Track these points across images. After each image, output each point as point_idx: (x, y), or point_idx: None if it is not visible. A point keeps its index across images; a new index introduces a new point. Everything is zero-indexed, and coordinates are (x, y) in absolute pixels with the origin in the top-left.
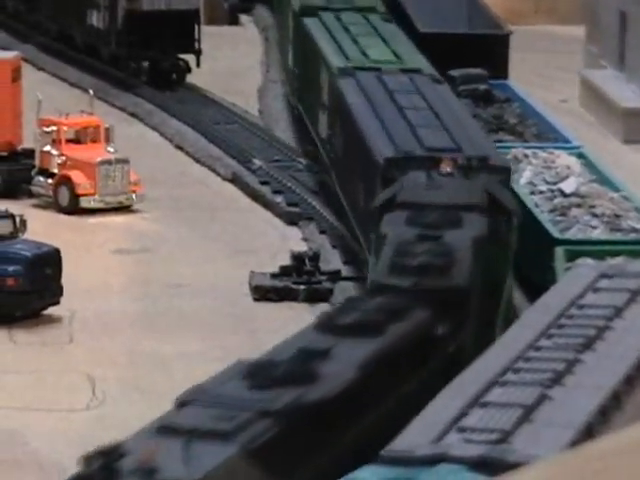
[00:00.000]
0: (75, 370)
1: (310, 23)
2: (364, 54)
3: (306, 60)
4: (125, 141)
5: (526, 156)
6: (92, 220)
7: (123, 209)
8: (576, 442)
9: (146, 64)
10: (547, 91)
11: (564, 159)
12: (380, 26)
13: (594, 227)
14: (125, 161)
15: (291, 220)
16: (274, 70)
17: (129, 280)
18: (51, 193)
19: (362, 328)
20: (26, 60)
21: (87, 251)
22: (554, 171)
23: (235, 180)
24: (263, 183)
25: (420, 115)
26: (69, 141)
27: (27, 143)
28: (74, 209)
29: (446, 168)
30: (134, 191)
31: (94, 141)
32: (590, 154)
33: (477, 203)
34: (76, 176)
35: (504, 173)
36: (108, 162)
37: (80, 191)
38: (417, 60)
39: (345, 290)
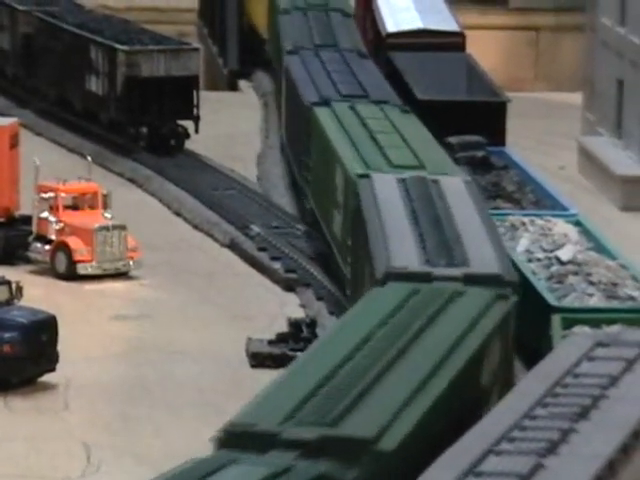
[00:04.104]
0: (71, 437)
1: (323, 115)
2: (385, 157)
3: (321, 164)
4: (123, 207)
5: (523, 224)
6: (89, 286)
7: (121, 275)
8: None
9: (145, 130)
10: (545, 158)
11: (561, 227)
12: (398, 120)
13: (591, 295)
14: (123, 227)
15: (289, 286)
16: (273, 136)
17: (126, 346)
18: (48, 259)
19: None
20: (24, 126)
21: (84, 317)
22: (551, 239)
23: (233, 246)
24: (261, 249)
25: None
26: (67, 207)
27: (25, 209)
28: (71, 275)
29: None
30: (132, 257)
31: (92, 207)
32: (587, 222)
33: None
34: (73, 242)
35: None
36: (106, 228)
37: (77, 257)
38: (442, 164)
39: None
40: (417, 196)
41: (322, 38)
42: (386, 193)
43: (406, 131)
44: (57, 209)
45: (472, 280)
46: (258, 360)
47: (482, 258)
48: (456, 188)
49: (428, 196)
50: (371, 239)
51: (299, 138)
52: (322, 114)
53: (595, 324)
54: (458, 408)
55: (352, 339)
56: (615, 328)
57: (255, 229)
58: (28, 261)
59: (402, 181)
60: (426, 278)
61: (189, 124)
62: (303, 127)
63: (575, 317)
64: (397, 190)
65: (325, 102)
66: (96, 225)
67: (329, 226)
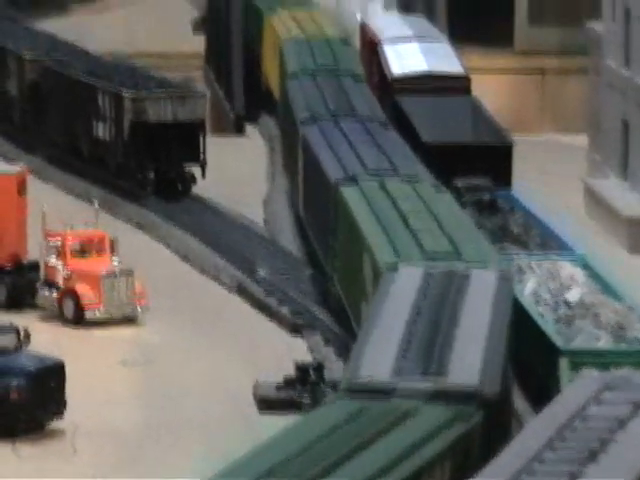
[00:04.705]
0: None
1: (351, 196)
2: (418, 244)
3: (349, 250)
4: (130, 252)
5: (530, 266)
6: (97, 332)
7: (128, 320)
8: None
9: (152, 175)
10: (551, 199)
11: (568, 269)
12: (432, 200)
13: (598, 337)
14: (130, 273)
15: (296, 330)
16: (279, 180)
17: (134, 391)
18: (56, 305)
19: None
20: (32, 172)
21: (92, 363)
22: (558, 281)
23: (240, 290)
24: (268, 293)
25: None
26: (74, 253)
27: (32, 255)
28: (79, 321)
29: None
30: (139, 302)
31: (99, 253)
32: (594, 264)
33: None
34: (81, 288)
35: None
36: (113, 274)
37: (85, 303)
38: (480, 251)
39: None
40: (434, 293)
41: (338, 105)
42: (402, 289)
43: (440, 212)
44: (65, 255)
45: (438, 396)
46: (265, 404)
47: (463, 368)
48: (484, 283)
49: (446, 293)
50: (357, 341)
51: (322, 217)
52: (350, 194)
53: (603, 367)
54: None
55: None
56: (623, 371)
57: (262, 273)
58: (36, 307)
59: (429, 275)
60: (389, 392)
61: (196, 169)
62: (328, 206)
63: (583, 360)
64: (417, 285)
65: (352, 180)
66: (103, 271)
67: (356, 319)
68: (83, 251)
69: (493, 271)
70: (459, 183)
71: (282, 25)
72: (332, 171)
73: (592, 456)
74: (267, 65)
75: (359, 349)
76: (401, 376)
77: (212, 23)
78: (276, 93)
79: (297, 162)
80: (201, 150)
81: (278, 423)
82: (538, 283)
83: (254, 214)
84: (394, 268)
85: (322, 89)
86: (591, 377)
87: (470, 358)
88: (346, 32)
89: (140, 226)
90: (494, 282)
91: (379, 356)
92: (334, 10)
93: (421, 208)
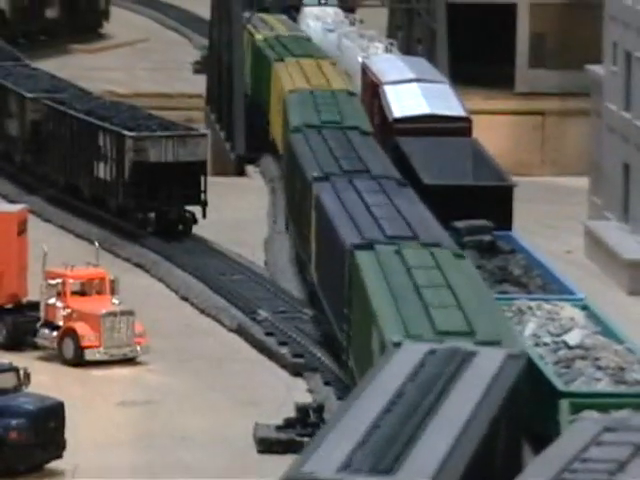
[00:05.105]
0: None
1: (365, 262)
2: (430, 320)
3: (362, 321)
4: (131, 292)
5: (530, 308)
6: (97, 372)
7: (128, 361)
8: None
9: (152, 215)
10: (552, 242)
11: (568, 311)
12: (450, 269)
13: (598, 379)
14: (130, 313)
15: (296, 371)
16: (280, 221)
17: (134, 433)
18: (56, 345)
19: None
20: (33, 212)
21: (92, 404)
22: (558, 323)
23: (241, 331)
24: (268, 334)
25: None
26: (74, 293)
27: (33, 295)
28: (79, 361)
29: None
30: (139, 343)
31: (99, 293)
32: (594, 306)
33: None
34: (81, 328)
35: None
36: (113, 314)
37: (85, 343)
38: (497, 329)
39: None
40: (429, 373)
41: (350, 163)
42: (397, 367)
43: (458, 284)
44: (65, 295)
45: None
46: (266, 446)
47: (416, 467)
48: (489, 364)
49: (441, 374)
50: (322, 428)
51: (336, 282)
52: (364, 260)
53: (603, 409)
54: None
55: None
56: (623, 413)
57: (263, 314)
58: (36, 347)
59: (432, 352)
60: None
61: (197, 209)
62: (342, 272)
63: (583, 402)
64: (414, 363)
65: (369, 246)
66: (103, 311)
67: None
68: (83, 291)
69: (502, 350)
70: (459, 224)
71: (288, 75)
72: (348, 236)
73: None
74: (273, 115)
75: (319, 437)
76: (346, 472)
77: (213, 64)
78: (280, 144)
79: (309, 222)
80: (202, 190)
81: (278, 465)
82: (538, 325)
83: (255, 255)
84: (398, 345)
85: (330, 145)
86: (591, 419)
87: (430, 454)
88: (348, 74)
89: (140, 266)
90: (499, 363)
91: (334, 447)
92: (336, 53)
93: (438, 279)
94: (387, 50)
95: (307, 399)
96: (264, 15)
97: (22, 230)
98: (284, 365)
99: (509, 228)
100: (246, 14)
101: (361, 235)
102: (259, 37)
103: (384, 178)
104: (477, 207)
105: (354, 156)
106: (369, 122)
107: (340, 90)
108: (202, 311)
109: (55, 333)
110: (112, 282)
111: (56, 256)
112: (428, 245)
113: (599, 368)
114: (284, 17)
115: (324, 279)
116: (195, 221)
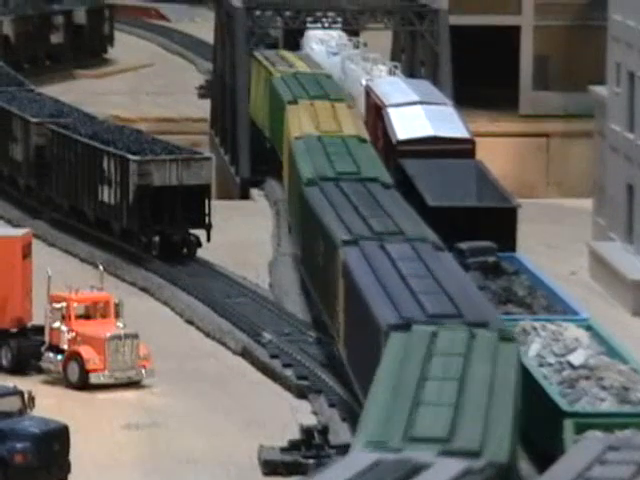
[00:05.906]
0: None
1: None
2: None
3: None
4: (135, 315)
5: (534, 328)
6: (101, 396)
7: (133, 384)
8: None
9: (157, 238)
10: (556, 263)
11: (572, 331)
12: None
13: (603, 399)
14: (135, 336)
15: (301, 393)
16: (285, 244)
17: (138, 455)
18: (61, 369)
19: None
20: (37, 236)
21: (96, 427)
22: (563, 343)
23: (245, 354)
24: (273, 357)
25: None
26: (79, 317)
27: (37, 319)
28: (84, 385)
29: None
30: (144, 366)
31: (104, 316)
32: (598, 326)
33: None
34: (86, 352)
35: None
36: (118, 337)
37: (90, 367)
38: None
39: None
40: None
41: (380, 223)
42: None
43: (504, 372)
44: (69, 319)
45: None
46: (270, 468)
47: None
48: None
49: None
50: None
51: (369, 363)
52: (396, 343)
53: (607, 429)
54: None
55: None
56: (627, 432)
57: (267, 336)
58: (40, 371)
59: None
60: None
61: (201, 232)
62: (374, 351)
63: (587, 422)
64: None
65: (406, 326)
66: (108, 334)
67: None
68: (88, 314)
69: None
70: (464, 246)
71: (297, 119)
72: (382, 313)
73: None
74: (284, 162)
75: None
76: None
77: (217, 88)
78: (289, 195)
79: (335, 290)
80: (206, 214)
81: None
82: (542, 345)
83: (259, 278)
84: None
85: (351, 199)
86: (595, 438)
87: None
88: (352, 97)
89: (145, 289)
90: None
91: None
92: (340, 76)
93: (483, 370)
94: (391, 73)
95: (312, 421)
96: (284, 52)
97: (26, 254)
98: (289, 387)
99: (513, 249)
100: (262, 51)
101: (398, 312)
102: (277, 75)
103: (418, 240)
104: (481, 228)
105: (382, 214)
106: (387, 172)
107: (350, 136)
108: (207, 334)
109: (60, 357)
110: (116, 305)
111: (60, 280)
112: (471, 324)
113: (603, 388)
114: (304, 53)
115: (354, 357)
116: (199, 244)
